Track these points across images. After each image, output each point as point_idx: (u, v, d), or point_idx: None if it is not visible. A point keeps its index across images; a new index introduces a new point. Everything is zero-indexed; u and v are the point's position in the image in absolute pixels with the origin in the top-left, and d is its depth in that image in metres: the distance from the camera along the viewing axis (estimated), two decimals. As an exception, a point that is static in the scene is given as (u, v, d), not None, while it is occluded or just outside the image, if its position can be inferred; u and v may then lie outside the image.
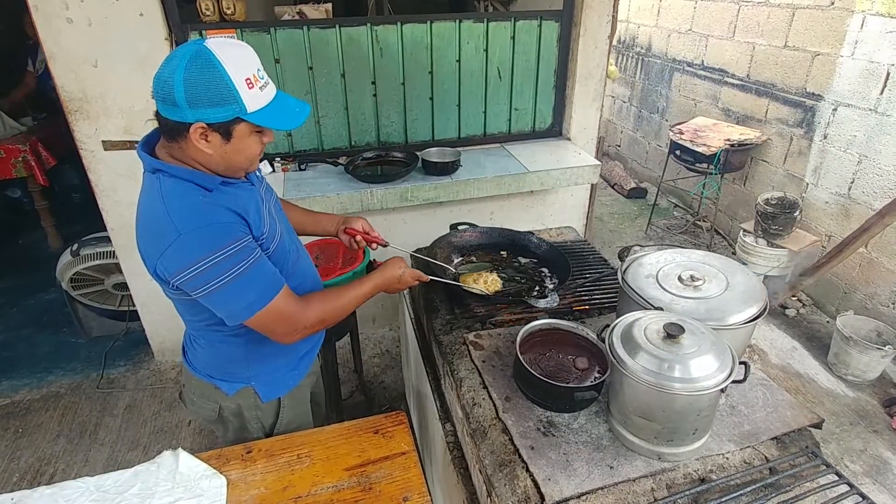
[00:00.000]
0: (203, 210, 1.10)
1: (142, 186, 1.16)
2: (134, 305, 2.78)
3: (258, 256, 1.15)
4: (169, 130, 1.09)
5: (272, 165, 2.64)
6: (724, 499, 1.05)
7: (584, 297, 1.68)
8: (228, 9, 2.36)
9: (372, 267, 1.70)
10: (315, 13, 2.61)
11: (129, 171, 2.38)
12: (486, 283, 1.64)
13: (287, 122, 1.13)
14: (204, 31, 2.30)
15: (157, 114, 1.09)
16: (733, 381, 1.04)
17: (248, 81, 1.05)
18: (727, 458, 1.15)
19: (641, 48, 5.18)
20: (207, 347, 1.34)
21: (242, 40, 2.38)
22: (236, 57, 1.04)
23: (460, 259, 1.87)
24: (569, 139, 3.05)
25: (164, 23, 2.21)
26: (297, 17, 2.54)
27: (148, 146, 1.16)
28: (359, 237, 1.59)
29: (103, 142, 2.32)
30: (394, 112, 2.78)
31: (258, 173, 1.34)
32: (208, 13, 2.34)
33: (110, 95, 2.25)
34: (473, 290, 1.59)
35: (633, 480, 1.10)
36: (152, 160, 1.12)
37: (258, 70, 1.08)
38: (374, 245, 1.61)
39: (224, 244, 1.08)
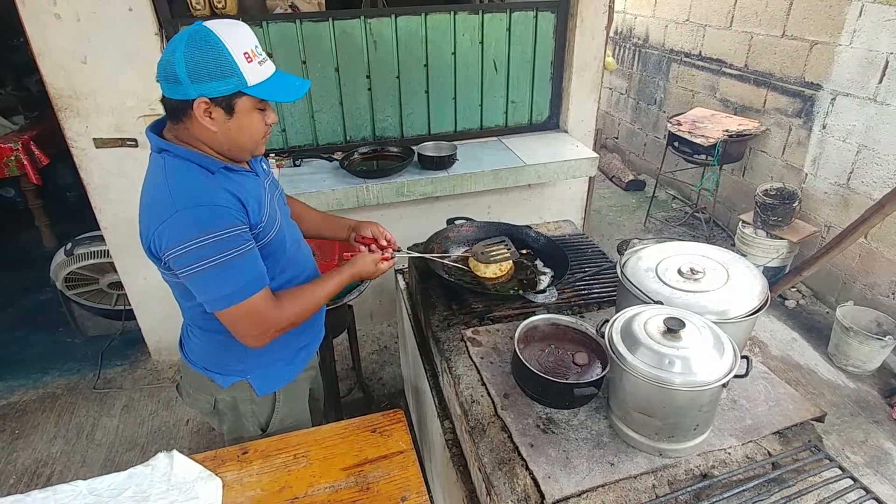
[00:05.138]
0: (203, 190, 1.11)
1: (147, 168, 1.18)
2: (129, 304, 2.76)
3: (249, 248, 1.15)
4: (174, 111, 1.12)
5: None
6: (726, 494, 1.04)
7: (582, 292, 1.67)
8: (219, 2, 2.32)
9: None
10: (308, 6, 2.57)
11: (120, 169, 2.36)
12: (501, 267, 1.65)
13: (287, 94, 1.15)
14: (195, 26, 2.26)
15: (163, 98, 1.12)
16: (735, 376, 1.02)
17: (247, 55, 1.08)
18: (729, 454, 1.14)
19: (639, 39, 5.14)
20: (203, 338, 1.34)
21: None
22: (234, 33, 1.07)
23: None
24: (566, 132, 3.03)
25: (154, 17, 2.17)
26: (289, 11, 2.50)
27: (155, 129, 1.19)
28: (373, 246, 1.48)
29: (94, 139, 2.29)
30: (389, 106, 2.75)
31: (264, 166, 1.34)
32: (199, 7, 2.30)
33: (100, 92, 2.21)
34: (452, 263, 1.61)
35: (635, 477, 1.08)
36: (158, 139, 1.16)
37: (255, 46, 1.11)
38: (390, 252, 1.48)
39: (217, 227, 1.09)
